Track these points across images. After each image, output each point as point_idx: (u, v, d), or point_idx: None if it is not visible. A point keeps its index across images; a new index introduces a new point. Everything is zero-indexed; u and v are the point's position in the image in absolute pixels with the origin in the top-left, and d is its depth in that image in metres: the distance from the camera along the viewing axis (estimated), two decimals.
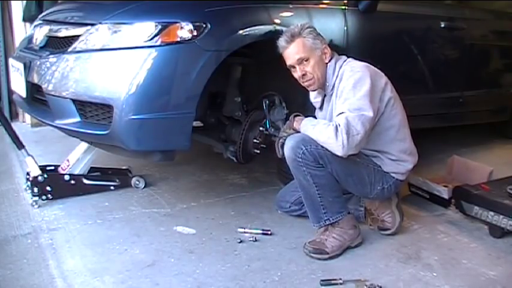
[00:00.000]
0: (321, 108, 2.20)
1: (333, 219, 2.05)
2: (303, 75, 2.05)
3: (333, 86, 2.05)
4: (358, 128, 1.87)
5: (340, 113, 1.90)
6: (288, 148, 1.98)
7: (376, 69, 2.06)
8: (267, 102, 2.37)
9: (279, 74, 2.23)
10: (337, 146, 1.87)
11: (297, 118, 2.09)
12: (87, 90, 2.07)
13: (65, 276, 1.84)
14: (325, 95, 2.14)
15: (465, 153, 3.20)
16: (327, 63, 2.07)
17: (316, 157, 1.95)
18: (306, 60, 2.03)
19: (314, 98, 2.23)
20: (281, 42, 2.04)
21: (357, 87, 1.92)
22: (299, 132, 2.03)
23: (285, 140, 2.06)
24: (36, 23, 2.67)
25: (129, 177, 2.72)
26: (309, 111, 2.35)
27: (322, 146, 1.93)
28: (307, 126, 1.99)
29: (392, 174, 2.12)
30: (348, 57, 2.10)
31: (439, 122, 3.45)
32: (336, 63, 2.06)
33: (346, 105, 1.91)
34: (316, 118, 2.13)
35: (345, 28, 2.49)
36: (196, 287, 1.80)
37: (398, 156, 2.10)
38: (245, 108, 2.47)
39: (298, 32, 2.02)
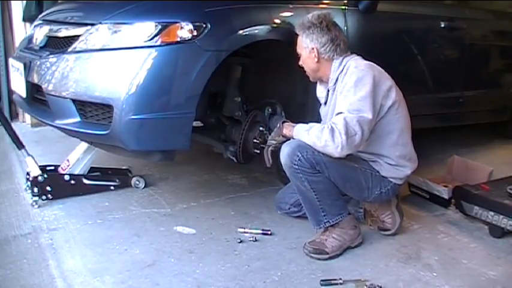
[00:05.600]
0: (325, 103, 2.19)
1: (333, 221, 2.05)
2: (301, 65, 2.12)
3: (336, 80, 2.04)
4: (356, 129, 1.86)
5: (339, 113, 1.89)
6: (284, 155, 1.97)
7: (382, 70, 2.04)
8: (269, 110, 2.38)
9: (278, 74, 2.23)
10: (335, 147, 1.86)
11: (285, 125, 2.08)
12: (87, 90, 2.07)
13: (65, 276, 1.84)
14: (328, 90, 2.14)
15: (465, 153, 3.19)
16: (323, 61, 2.05)
17: (312, 163, 1.94)
18: (300, 55, 2.09)
19: (320, 92, 2.22)
20: (296, 28, 2.09)
21: (358, 85, 1.91)
22: (289, 139, 2.02)
23: (274, 147, 2.06)
24: (36, 23, 2.67)
25: (129, 177, 2.71)
26: (308, 111, 2.35)
27: (318, 152, 1.92)
28: (301, 133, 1.98)
29: (391, 179, 2.11)
30: (358, 55, 2.09)
31: (439, 122, 3.45)
32: (343, 59, 2.05)
33: (346, 105, 1.90)
34: (307, 123, 2.08)
35: (345, 28, 2.49)
36: (196, 287, 1.80)
37: (398, 162, 2.09)
38: (245, 108, 2.47)
39: (302, 23, 2.05)
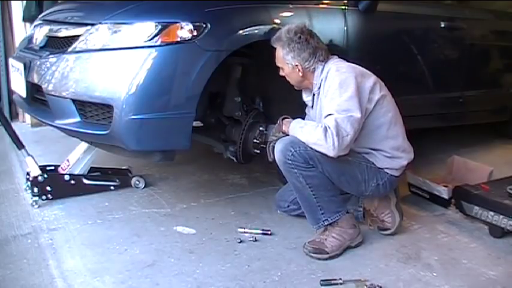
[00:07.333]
0: (312, 106, 2.21)
1: (331, 219, 2.05)
2: (283, 76, 2.14)
3: (320, 85, 2.06)
4: (348, 130, 1.88)
5: (329, 115, 1.91)
6: (278, 151, 2.00)
7: (363, 69, 2.06)
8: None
9: (278, 74, 2.23)
10: (327, 147, 1.88)
11: (285, 121, 2.10)
12: (87, 90, 2.07)
13: (65, 276, 1.84)
14: (314, 94, 2.15)
15: (465, 153, 3.19)
16: (308, 73, 2.07)
17: (306, 158, 1.96)
18: (281, 67, 2.10)
19: (306, 97, 2.23)
20: (271, 41, 2.09)
21: (342, 87, 1.93)
22: (288, 135, 2.04)
23: (275, 143, 2.07)
24: (36, 23, 2.67)
25: (129, 177, 2.71)
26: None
27: (311, 148, 1.94)
28: (295, 129, 2.01)
29: (387, 170, 2.12)
30: (339, 57, 2.11)
31: (439, 122, 3.45)
32: (325, 64, 2.06)
33: (334, 106, 1.91)
34: (304, 119, 2.13)
35: (345, 28, 2.49)
36: (196, 287, 1.80)
37: (392, 153, 2.10)
38: (245, 108, 2.47)
39: (280, 38, 2.05)
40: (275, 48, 2.09)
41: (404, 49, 2.92)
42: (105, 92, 2.03)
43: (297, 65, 2.05)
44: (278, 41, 2.06)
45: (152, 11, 2.14)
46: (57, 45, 2.30)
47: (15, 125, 3.12)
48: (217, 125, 2.60)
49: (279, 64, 2.11)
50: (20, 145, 2.55)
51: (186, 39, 2.03)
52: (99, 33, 2.10)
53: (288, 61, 2.06)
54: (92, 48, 2.10)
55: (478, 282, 1.90)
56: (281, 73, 2.14)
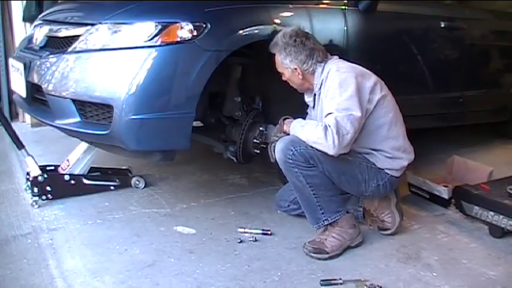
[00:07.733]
0: (313, 107, 2.21)
1: (331, 219, 2.05)
2: (285, 80, 2.16)
3: (321, 85, 2.07)
4: (348, 128, 1.88)
5: (329, 114, 1.92)
6: (278, 151, 2.00)
7: (364, 69, 2.06)
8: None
9: (279, 74, 2.23)
10: (327, 146, 1.89)
11: (286, 121, 2.12)
12: (87, 90, 2.07)
13: (65, 276, 1.84)
14: (315, 94, 2.15)
15: (465, 153, 3.19)
16: (308, 75, 2.09)
17: (306, 158, 1.96)
18: (282, 73, 2.13)
19: (307, 97, 2.24)
20: (269, 47, 2.10)
21: (342, 86, 1.94)
22: (289, 134, 2.05)
23: (276, 143, 2.07)
24: (36, 23, 2.67)
25: (129, 177, 2.72)
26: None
27: (312, 147, 1.94)
28: (296, 128, 2.02)
29: (387, 171, 2.12)
30: (339, 58, 2.12)
31: (439, 122, 3.45)
32: (325, 65, 2.08)
33: (334, 105, 1.92)
34: (305, 118, 2.15)
35: (345, 28, 2.49)
36: (196, 287, 1.80)
37: (392, 154, 2.10)
38: (245, 108, 2.47)
39: (276, 43, 2.07)
40: (274, 54, 2.09)
41: (404, 49, 2.92)
42: (105, 92, 2.03)
43: (295, 68, 2.06)
44: (275, 46, 2.08)
45: (152, 11, 2.14)
46: (57, 45, 2.30)
47: (15, 125, 3.11)
48: (217, 125, 2.60)
49: (279, 69, 2.13)
50: (20, 145, 2.55)
51: (186, 39, 2.03)
52: (99, 33, 2.10)
53: (286, 65, 2.07)
54: (92, 48, 2.10)
55: (478, 282, 1.90)
56: (283, 78, 2.15)
